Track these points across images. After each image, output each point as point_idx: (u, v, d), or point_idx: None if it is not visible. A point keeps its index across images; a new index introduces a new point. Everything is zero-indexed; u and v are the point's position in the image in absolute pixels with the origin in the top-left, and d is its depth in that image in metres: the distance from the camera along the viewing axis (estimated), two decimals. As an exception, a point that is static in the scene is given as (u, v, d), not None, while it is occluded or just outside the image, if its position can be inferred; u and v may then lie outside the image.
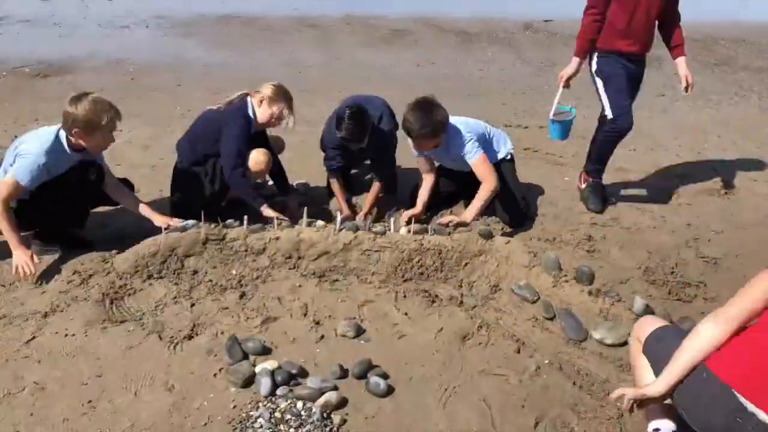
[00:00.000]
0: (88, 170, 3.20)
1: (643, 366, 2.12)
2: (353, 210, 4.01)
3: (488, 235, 3.30)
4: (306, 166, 4.52)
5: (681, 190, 4.53)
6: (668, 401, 2.00)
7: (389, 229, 3.32)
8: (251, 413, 2.26)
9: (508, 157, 3.95)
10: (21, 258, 2.98)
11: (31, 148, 3.01)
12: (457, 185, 4.01)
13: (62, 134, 3.09)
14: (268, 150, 3.68)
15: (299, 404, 2.29)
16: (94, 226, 3.35)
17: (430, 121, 3.46)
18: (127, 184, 3.59)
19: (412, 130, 3.50)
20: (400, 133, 3.77)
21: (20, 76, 6.88)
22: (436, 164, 3.92)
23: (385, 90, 6.17)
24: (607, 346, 2.73)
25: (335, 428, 2.21)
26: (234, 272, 3.13)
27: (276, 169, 3.86)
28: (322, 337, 2.73)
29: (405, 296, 3.03)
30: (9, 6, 10.35)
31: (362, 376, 2.45)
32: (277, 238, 3.21)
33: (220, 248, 3.17)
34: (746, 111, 6.71)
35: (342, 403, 2.32)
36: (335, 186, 3.99)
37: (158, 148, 4.98)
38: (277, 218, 3.33)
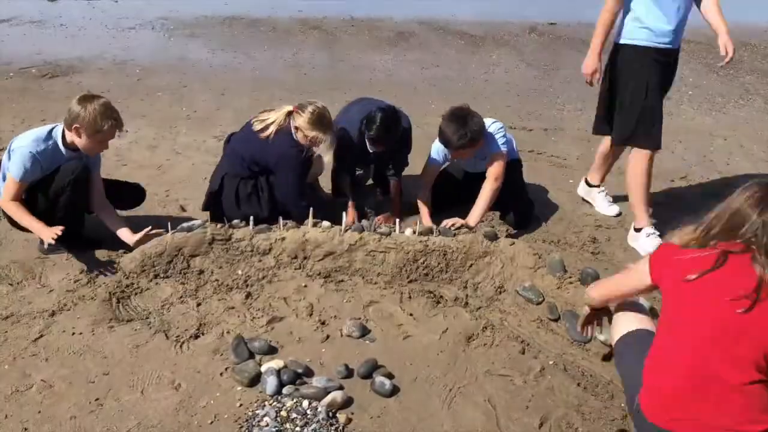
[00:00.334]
0: (76, 168, 3.13)
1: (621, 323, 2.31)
2: (360, 213, 3.88)
3: (493, 237, 3.30)
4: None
5: (686, 193, 4.52)
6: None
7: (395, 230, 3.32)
8: (257, 412, 2.27)
9: (517, 158, 3.96)
10: (48, 232, 2.95)
11: (23, 142, 3.06)
12: (456, 185, 4.00)
13: (57, 132, 3.12)
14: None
15: (305, 403, 2.31)
16: (99, 227, 3.37)
17: (467, 131, 3.45)
18: (137, 189, 3.62)
19: (451, 142, 3.49)
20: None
21: (27, 77, 6.91)
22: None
23: (389, 92, 6.21)
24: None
25: (341, 427, 2.22)
26: (240, 272, 3.15)
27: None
28: (328, 337, 2.74)
29: (410, 297, 3.04)
30: (16, 7, 10.41)
31: (367, 375, 2.47)
32: (283, 239, 3.22)
33: (226, 248, 3.19)
34: (752, 114, 6.70)
35: (347, 402, 2.33)
36: (345, 185, 3.88)
37: (164, 149, 5.00)
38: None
